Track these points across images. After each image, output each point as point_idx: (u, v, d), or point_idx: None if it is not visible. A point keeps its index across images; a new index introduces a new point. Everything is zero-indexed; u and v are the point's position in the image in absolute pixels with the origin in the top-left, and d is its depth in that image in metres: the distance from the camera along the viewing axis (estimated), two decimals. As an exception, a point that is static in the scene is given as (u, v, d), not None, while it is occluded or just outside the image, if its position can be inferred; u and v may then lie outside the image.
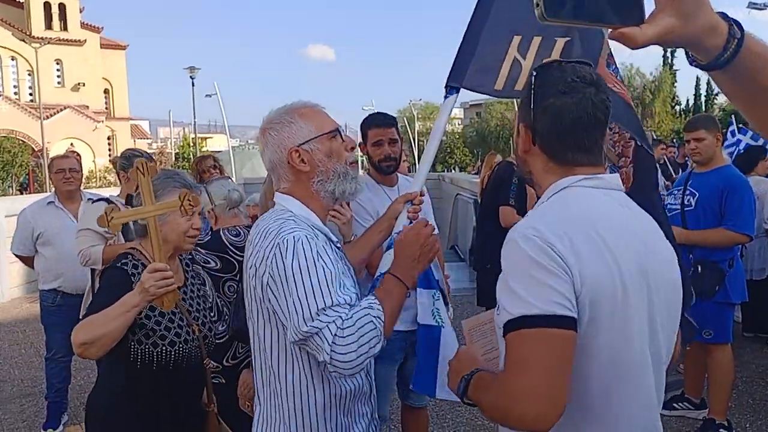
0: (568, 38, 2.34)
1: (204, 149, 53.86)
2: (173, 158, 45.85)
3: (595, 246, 1.22)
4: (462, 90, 2.36)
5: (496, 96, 2.46)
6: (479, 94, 2.49)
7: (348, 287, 1.59)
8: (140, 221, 2.02)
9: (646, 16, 0.84)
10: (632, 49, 0.84)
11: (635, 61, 66.02)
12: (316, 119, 1.73)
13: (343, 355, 1.45)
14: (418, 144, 54.62)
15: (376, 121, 3.09)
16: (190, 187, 2.16)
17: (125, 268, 2.05)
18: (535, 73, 1.36)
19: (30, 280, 8.61)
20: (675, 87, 53.93)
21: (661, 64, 53.58)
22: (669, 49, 53.84)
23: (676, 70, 53.91)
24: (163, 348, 2.03)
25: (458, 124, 79.10)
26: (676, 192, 4.14)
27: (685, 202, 3.98)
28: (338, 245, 1.77)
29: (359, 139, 3.06)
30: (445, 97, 2.35)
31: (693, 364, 4.30)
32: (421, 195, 2.32)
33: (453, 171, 54.75)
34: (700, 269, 3.92)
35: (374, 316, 1.52)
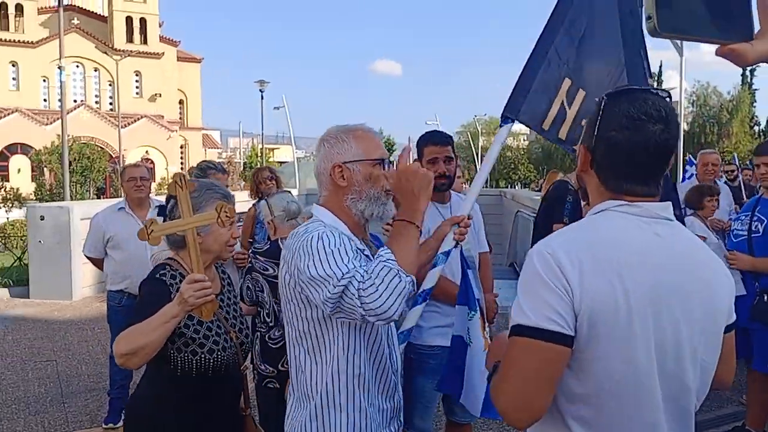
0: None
1: (271, 160, 55.22)
2: (241, 167, 47.25)
3: (604, 269, 1.27)
4: None
5: (543, 135, 2.50)
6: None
7: None
8: (178, 233, 2.09)
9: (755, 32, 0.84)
10: (741, 66, 0.86)
11: (712, 79, 63.74)
12: (367, 144, 1.87)
13: (372, 302, 1.58)
14: (481, 159, 54.28)
15: (432, 139, 3.13)
16: (228, 198, 2.24)
17: (164, 279, 2.11)
18: (605, 100, 1.38)
19: (100, 281, 9.02)
20: (754, 107, 51.55)
21: (740, 83, 51.39)
22: (748, 68, 51.70)
23: (756, 89, 51.59)
24: (202, 356, 2.08)
25: (524, 140, 78.15)
26: (743, 218, 3.99)
27: (753, 229, 3.84)
28: (369, 256, 1.83)
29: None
30: (501, 125, 2.40)
31: (756, 396, 4.11)
32: (469, 218, 2.37)
33: (516, 187, 54.10)
34: (766, 298, 3.77)
35: (385, 260, 1.65)
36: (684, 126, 50.13)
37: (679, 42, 15.96)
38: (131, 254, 4.34)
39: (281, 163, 50.01)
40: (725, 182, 7.04)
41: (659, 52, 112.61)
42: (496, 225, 14.07)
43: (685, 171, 11.17)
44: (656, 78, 49.35)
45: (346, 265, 1.65)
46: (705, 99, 51.13)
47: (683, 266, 1.35)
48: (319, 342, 1.77)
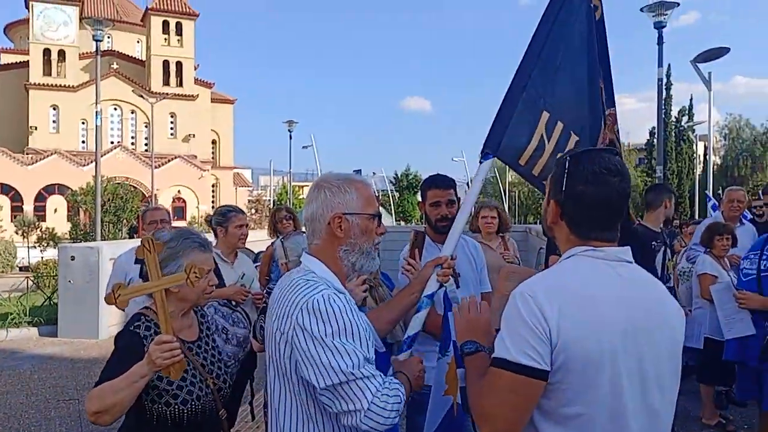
0: (578, 139, 2.37)
1: (300, 197, 55.88)
2: (271, 204, 47.86)
3: (579, 312, 1.42)
4: None
5: (518, 172, 2.43)
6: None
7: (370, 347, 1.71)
8: (147, 295, 2.13)
9: None
10: None
11: (745, 112, 62.77)
12: (366, 198, 1.87)
13: (381, 410, 1.60)
14: (509, 194, 54.05)
15: (435, 183, 3.21)
16: (205, 246, 2.28)
17: (138, 331, 2.14)
18: (569, 159, 1.58)
19: (126, 320, 9.20)
20: (789, 139, 50.54)
21: (774, 115, 50.53)
22: (783, 100, 50.79)
23: (791, 121, 50.68)
24: (176, 407, 2.10)
25: (551, 174, 77.61)
26: (752, 256, 3.95)
27: (762, 267, 3.80)
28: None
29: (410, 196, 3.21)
30: (481, 162, 2.31)
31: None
32: (453, 258, 2.38)
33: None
34: None
35: (401, 393, 1.69)
36: (716, 160, 49.46)
37: (707, 75, 15.94)
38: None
39: (311, 200, 50.34)
40: (752, 219, 6.90)
41: (690, 84, 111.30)
42: (523, 261, 13.95)
43: (713, 207, 11.00)
44: (687, 112, 48.85)
45: (368, 351, 1.66)
46: (738, 132, 50.40)
47: (645, 304, 1.50)
48: (292, 411, 1.72)
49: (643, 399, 1.46)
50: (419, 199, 3.33)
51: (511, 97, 2.38)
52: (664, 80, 14.41)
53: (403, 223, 43.47)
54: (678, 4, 12.26)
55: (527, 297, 1.44)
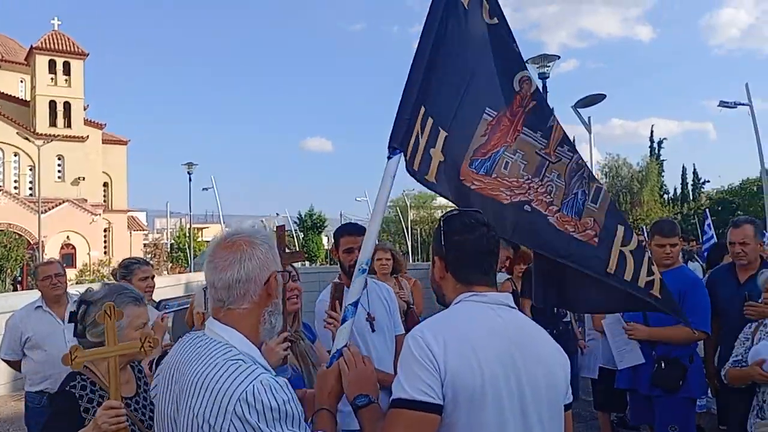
0: (446, 134, 2.32)
1: (199, 239, 54.18)
2: (169, 248, 46.10)
3: (463, 347, 1.61)
4: None
5: (412, 176, 2.27)
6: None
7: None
8: (92, 339, 2.17)
9: None
10: None
11: (622, 151, 68.00)
12: (276, 256, 1.73)
13: None
14: (411, 233, 55.12)
15: (347, 230, 3.40)
16: (139, 301, 2.35)
17: (73, 391, 2.14)
18: (443, 220, 1.85)
19: (15, 378, 8.60)
20: (662, 176, 55.17)
21: (648, 154, 55.09)
22: (656, 140, 55.69)
23: (663, 160, 55.47)
24: None
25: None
26: None
27: None
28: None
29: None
30: (389, 158, 2.13)
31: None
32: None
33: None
34: (663, 365, 4.06)
35: None
36: (600, 196, 53.01)
37: (587, 119, 17.30)
38: (51, 354, 4.28)
39: (209, 242, 49.10)
40: None
41: (573, 126, 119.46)
42: (427, 300, 14.28)
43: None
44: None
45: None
46: (617, 170, 54.35)
47: (524, 343, 1.72)
48: None
49: None
50: (324, 242, 3.48)
51: (407, 92, 2.25)
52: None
53: (308, 263, 43.12)
54: (559, 57, 13.38)
55: (417, 337, 1.64)
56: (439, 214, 74.67)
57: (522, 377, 1.66)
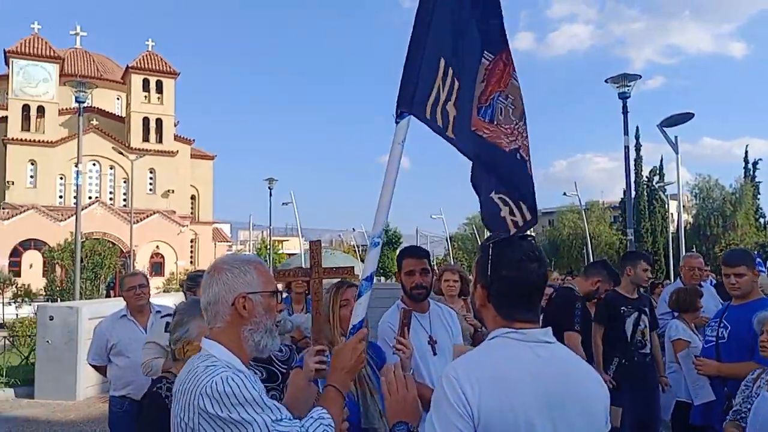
0: (458, 84, 2.24)
1: (280, 251, 55.63)
2: (250, 260, 47.59)
3: (497, 389, 1.58)
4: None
5: (431, 128, 2.21)
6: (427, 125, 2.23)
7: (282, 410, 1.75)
8: (171, 346, 2.32)
9: None
10: None
11: (714, 172, 64.67)
12: (266, 276, 1.92)
13: None
14: (488, 251, 54.41)
15: (410, 253, 3.44)
16: None
17: (160, 392, 2.31)
18: (492, 247, 1.77)
19: (103, 381, 9.10)
20: (758, 199, 52.04)
21: (742, 175, 52.19)
22: (751, 161, 52.66)
23: (759, 182, 52.34)
24: None
25: (530, 232, 78.35)
26: (713, 324, 4.16)
27: (719, 335, 4.01)
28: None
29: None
30: (396, 122, 2.11)
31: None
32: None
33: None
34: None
35: (326, 425, 1.76)
36: (689, 218, 50.53)
37: (674, 138, 16.59)
38: (133, 361, 4.52)
39: (290, 254, 50.48)
40: (713, 284, 7.18)
41: (660, 145, 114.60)
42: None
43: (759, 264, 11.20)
44: (658, 172, 50.21)
45: (279, 410, 1.70)
46: (708, 192, 51.81)
47: (561, 381, 1.65)
48: None
49: None
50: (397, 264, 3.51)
51: (413, 51, 2.20)
52: (633, 141, 14.97)
53: (383, 279, 43.37)
54: (640, 77, 12.92)
55: (451, 378, 1.61)
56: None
57: (557, 418, 1.61)
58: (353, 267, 2.82)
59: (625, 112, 12.94)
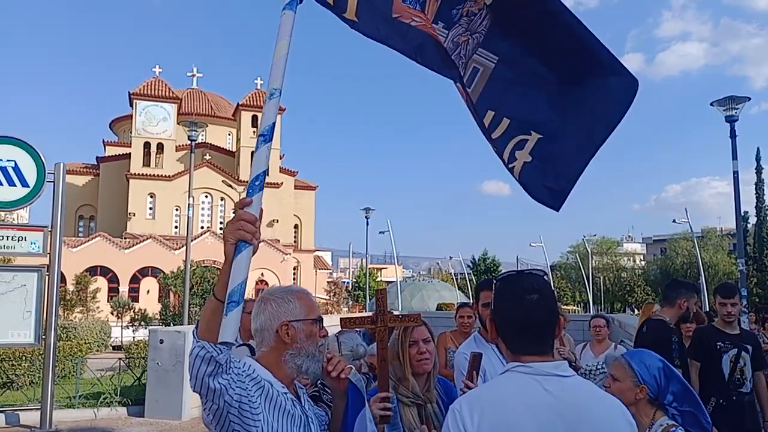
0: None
1: (378, 279, 56.27)
2: (350, 287, 48.55)
3: (498, 424, 1.59)
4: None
5: (331, 10, 2.09)
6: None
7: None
8: None
9: None
10: None
11: None
12: (309, 305, 2.05)
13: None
14: (593, 280, 52.28)
15: (487, 285, 3.42)
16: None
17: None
18: (497, 283, 1.82)
19: (208, 403, 9.55)
20: None
21: None
22: None
23: None
24: None
25: (640, 261, 74.71)
26: None
27: None
28: (298, 405, 1.97)
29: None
30: (283, 10, 2.00)
31: None
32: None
33: (633, 311, 51.07)
34: None
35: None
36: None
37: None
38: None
39: (388, 282, 50.98)
40: None
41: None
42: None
43: None
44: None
45: None
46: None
47: (569, 417, 1.60)
48: None
49: None
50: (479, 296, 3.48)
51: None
52: (754, 164, 13.98)
53: (481, 308, 42.70)
54: (749, 99, 12.11)
55: (455, 410, 1.66)
56: (624, 260, 70.08)
57: None
58: (419, 314, 2.76)
59: (733, 135, 12.18)
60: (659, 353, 4.48)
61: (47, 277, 9.33)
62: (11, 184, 9.26)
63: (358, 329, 3.58)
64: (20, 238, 9.23)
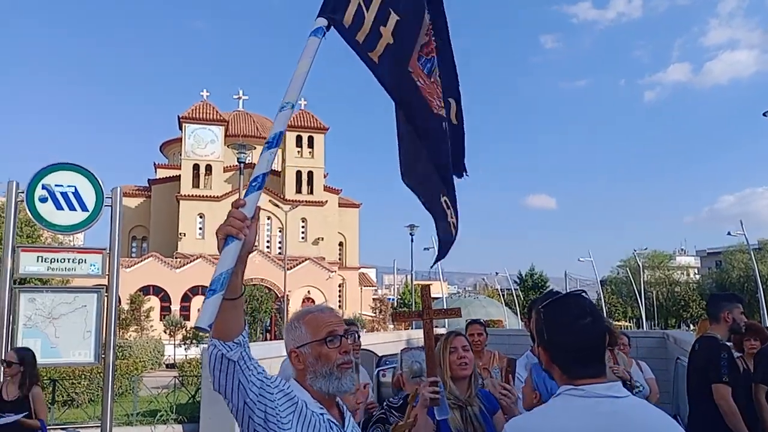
0: (399, 18, 2.21)
1: (424, 297, 55.89)
2: (395, 304, 48.52)
3: None
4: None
5: (352, 47, 2.16)
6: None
7: None
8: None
9: None
10: None
11: None
12: (315, 325, 2.01)
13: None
14: (645, 295, 50.87)
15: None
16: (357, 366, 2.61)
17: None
18: (543, 309, 1.83)
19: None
20: None
21: None
22: None
23: None
24: None
25: (694, 274, 72.43)
26: None
27: None
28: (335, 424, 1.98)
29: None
30: (311, 35, 2.04)
31: None
32: None
33: (688, 327, 49.45)
34: None
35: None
36: None
37: None
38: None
39: (434, 298, 50.59)
40: None
41: None
42: (661, 371, 12.96)
43: None
44: None
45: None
46: None
47: None
48: None
49: None
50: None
51: None
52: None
53: (522, 325, 42.02)
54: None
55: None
56: (677, 274, 67.97)
57: None
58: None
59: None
60: (711, 371, 4.36)
61: (106, 297, 9.66)
62: (72, 208, 9.63)
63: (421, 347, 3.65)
64: (80, 261, 9.58)
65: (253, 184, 1.83)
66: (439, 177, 2.37)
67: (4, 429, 5.13)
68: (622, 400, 1.70)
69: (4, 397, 5.24)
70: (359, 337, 4.72)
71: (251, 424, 1.76)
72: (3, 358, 5.40)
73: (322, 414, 1.91)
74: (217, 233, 1.71)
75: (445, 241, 2.50)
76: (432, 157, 2.33)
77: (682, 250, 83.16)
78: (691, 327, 45.84)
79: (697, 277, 70.42)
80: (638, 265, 53.39)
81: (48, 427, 5.18)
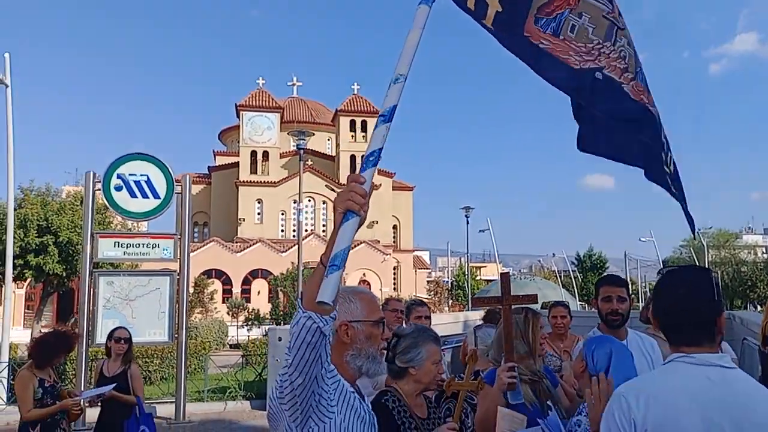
0: None
1: (478, 278, 55.81)
2: (450, 286, 48.58)
3: (664, 409, 1.68)
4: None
5: (468, 14, 2.24)
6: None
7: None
8: (399, 365, 2.61)
9: None
10: None
11: None
12: (371, 306, 2.04)
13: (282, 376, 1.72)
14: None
15: (608, 280, 3.50)
16: (437, 341, 2.70)
17: (387, 403, 2.54)
18: (660, 278, 1.95)
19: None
20: None
21: None
22: None
23: None
24: None
25: (762, 254, 69.51)
26: None
27: None
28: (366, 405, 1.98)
29: None
30: (419, 4, 1.98)
31: None
32: None
33: (756, 308, 47.64)
34: None
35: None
36: None
37: None
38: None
39: (488, 281, 50.45)
40: None
41: None
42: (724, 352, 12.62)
43: None
44: None
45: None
46: None
47: (735, 405, 1.66)
48: None
49: None
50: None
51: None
52: None
53: (587, 306, 41.43)
54: None
55: (620, 396, 1.75)
56: (744, 254, 65.23)
57: None
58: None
59: None
60: None
61: (178, 279, 10.18)
62: (144, 196, 10.18)
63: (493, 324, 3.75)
64: (154, 245, 10.14)
65: (370, 158, 1.78)
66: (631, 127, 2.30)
67: (105, 403, 5.56)
68: (731, 371, 1.74)
69: (105, 373, 5.64)
70: (429, 317, 4.89)
71: (306, 401, 1.71)
72: (111, 334, 5.81)
73: (353, 392, 1.91)
74: (336, 206, 1.65)
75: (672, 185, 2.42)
76: (613, 114, 2.26)
77: (749, 228, 79.78)
78: (758, 308, 44.12)
79: (765, 256, 67.54)
80: (702, 245, 51.62)
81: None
